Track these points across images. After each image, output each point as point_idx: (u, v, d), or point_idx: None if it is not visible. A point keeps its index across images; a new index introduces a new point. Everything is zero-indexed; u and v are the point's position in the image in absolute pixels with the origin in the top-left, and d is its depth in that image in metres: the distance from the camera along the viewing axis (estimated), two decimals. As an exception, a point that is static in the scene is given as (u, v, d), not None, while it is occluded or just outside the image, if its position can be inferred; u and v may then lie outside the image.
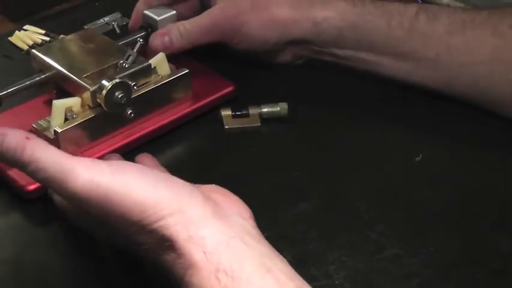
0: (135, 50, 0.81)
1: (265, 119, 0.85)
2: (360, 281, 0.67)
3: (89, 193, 0.57)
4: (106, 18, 1.00)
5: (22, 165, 0.59)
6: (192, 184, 0.60)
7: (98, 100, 0.77)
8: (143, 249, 0.59)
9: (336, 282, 0.67)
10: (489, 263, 0.69)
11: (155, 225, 0.56)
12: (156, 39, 0.86)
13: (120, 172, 0.58)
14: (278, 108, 0.85)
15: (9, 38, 0.96)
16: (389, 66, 0.86)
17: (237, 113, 0.85)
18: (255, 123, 0.84)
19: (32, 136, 0.59)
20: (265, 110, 0.85)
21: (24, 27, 0.98)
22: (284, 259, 0.58)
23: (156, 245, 0.57)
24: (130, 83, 0.78)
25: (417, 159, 0.80)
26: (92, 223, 0.64)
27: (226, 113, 0.85)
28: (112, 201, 0.56)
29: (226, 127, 0.84)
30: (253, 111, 0.85)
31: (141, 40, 0.83)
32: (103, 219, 0.58)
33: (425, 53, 0.84)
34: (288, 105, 0.85)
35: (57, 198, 0.68)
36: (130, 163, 0.61)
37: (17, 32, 0.97)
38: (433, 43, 0.83)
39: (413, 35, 0.83)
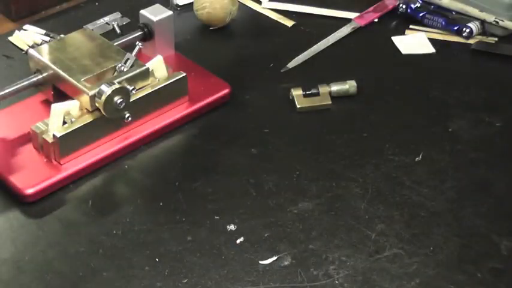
0: (133, 54, 0.81)
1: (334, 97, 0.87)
2: (360, 281, 0.67)
3: None
4: (106, 18, 1.00)
5: None
6: None
7: (97, 105, 0.76)
8: None
9: (336, 282, 0.67)
10: (489, 262, 0.69)
11: None
12: None
13: None
14: (347, 86, 0.87)
15: (9, 38, 0.96)
16: None
17: (308, 92, 0.86)
18: (326, 101, 0.86)
19: None
20: (334, 88, 0.87)
21: (24, 27, 0.98)
22: None
23: None
24: (129, 87, 0.78)
25: (417, 159, 0.80)
26: None
27: (297, 92, 0.86)
28: None
29: (298, 107, 0.85)
30: (323, 90, 0.86)
31: (139, 44, 0.83)
32: None
33: None
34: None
35: None
36: None
37: (17, 32, 0.97)
38: None
39: None
